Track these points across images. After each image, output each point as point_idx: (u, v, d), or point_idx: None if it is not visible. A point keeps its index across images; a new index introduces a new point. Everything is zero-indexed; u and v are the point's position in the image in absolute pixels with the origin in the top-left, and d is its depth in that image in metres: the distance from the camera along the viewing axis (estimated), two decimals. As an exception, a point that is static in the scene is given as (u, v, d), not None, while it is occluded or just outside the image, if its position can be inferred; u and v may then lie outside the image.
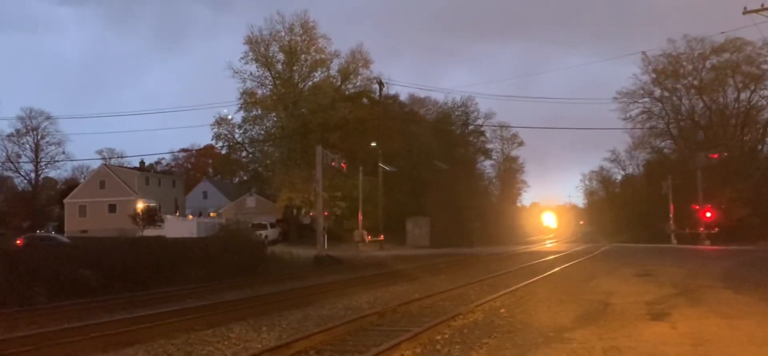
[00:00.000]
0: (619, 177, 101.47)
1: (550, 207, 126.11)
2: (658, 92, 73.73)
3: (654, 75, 72.19)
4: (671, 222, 60.01)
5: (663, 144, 77.69)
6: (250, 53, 61.17)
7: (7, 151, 76.43)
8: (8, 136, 76.06)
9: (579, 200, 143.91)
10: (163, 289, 22.24)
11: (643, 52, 70.64)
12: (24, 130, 77.45)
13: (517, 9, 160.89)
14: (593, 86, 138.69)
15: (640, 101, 73.76)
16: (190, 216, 69.44)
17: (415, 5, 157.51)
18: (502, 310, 14.36)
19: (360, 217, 52.97)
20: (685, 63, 70.55)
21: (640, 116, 74.53)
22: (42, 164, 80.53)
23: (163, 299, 19.57)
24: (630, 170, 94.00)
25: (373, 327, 12.75)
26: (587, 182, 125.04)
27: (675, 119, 73.77)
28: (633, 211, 79.21)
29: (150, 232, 55.50)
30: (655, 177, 67.97)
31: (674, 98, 73.58)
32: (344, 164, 45.83)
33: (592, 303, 15.12)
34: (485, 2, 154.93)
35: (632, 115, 74.13)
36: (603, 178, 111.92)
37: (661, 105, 74.12)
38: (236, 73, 60.87)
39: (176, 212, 73.05)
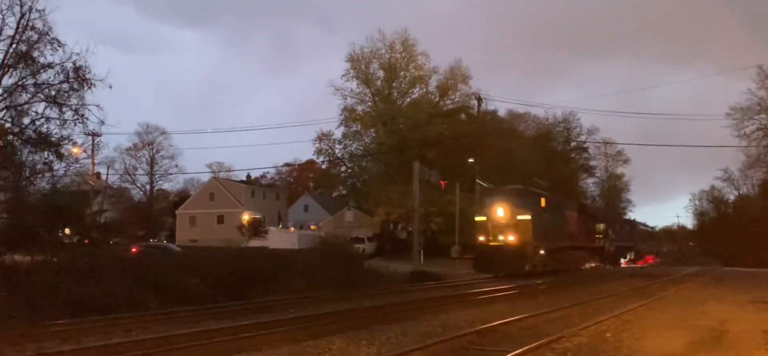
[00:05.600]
0: (732, 197, 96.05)
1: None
2: (775, 107, 69.27)
3: (771, 90, 67.83)
4: (791, 247, 56.05)
5: (781, 163, 72.78)
6: (352, 71, 62.78)
7: (126, 164, 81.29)
8: (126, 150, 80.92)
9: (688, 221, 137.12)
10: (265, 299, 22.82)
11: (759, 66, 66.65)
12: (141, 144, 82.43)
13: (621, 25, 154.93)
14: (703, 102, 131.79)
15: (755, 117, 69.43)
16: (292, 229, 71.27)
17: (516, 22, 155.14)
18: (608, 334, 13.83)
19: (457, 233, 52.56)
20: (807, 77, 65.88)
21: (755, 133, 70.02)
22: (156, 176, 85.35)
23: (265, 308, 20.08)
24: (744, 190, 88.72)
25: (472, 346, 12.58)
26: (697, 203, 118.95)
27: (795, 136, 68.92)
28: (747, 233, 74.56)
29: (255, 243, 57.60)
30: (773, 198, 63.80)
31: (794, 114, 68.83)
32: (443, 181, 45.72)
33: (705, 330, 14.33)
34: (589, 19, 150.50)
35: (747, 132, 69.56)
36: (714, 198, 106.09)
37: (778, 121, 69.54)
38: (337, 90, 62.57)
39: (279, 225, 75.20)
